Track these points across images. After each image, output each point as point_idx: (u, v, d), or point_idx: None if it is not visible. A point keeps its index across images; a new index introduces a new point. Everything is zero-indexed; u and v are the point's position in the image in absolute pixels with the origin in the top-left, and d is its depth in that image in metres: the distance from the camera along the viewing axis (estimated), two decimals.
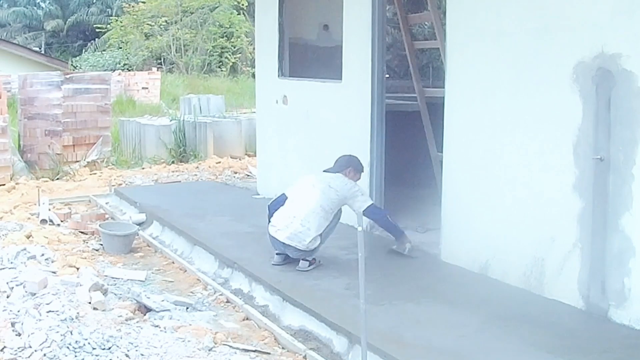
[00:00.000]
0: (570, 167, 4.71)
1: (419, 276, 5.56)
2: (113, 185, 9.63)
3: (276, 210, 5.81)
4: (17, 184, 10.00)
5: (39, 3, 38.82)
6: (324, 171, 5.95)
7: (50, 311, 4.52)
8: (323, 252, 5.79)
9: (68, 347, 4.07)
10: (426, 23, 10.88)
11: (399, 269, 5.71)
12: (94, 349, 4.09)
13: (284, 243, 5.63)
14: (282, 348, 4.61)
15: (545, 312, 4.68)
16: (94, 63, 28.82)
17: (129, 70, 26.18)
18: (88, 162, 11.19)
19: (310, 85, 7.78)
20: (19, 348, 4.09)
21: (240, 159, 12.13)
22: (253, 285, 5.56)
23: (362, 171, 6.06)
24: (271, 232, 5.72)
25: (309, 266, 5.65)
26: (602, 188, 4.53)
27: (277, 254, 5.78)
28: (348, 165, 5.94)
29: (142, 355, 4.12)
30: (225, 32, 29.01)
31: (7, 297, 4.95)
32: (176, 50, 28.23)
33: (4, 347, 4.12)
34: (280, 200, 5.87)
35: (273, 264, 5.76)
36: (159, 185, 9.88)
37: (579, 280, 4.71)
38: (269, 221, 5.81)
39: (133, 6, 28.86)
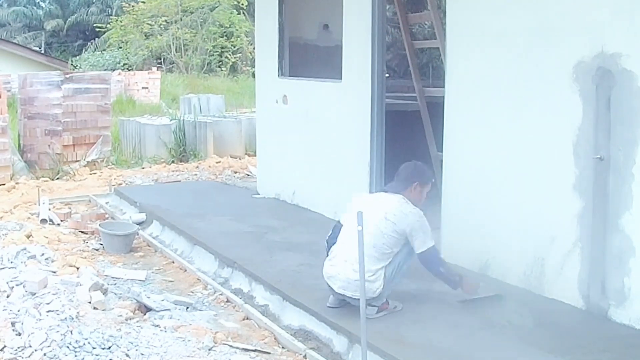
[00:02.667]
0: (570, 167, 4.71)
1: (419, 275, 5.54)
2: (113, 185, 9.63)
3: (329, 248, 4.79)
4: (17, 183, 10.00)
5: (38, 3, 38.81)
6: (383, 189, 4.87)
7: (50, 311, 4.52)
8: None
9: (68, 347, 4.07)
10: (426, 22, 10.86)
11: None
12: (94, 348, 4.09)
13: (339, 294, 4.62)
14: (282, 347, 4.62)
15: (546, 312, 4.68)
16: (94, 63, 28.80)
17: (129, 70, 26.15)
18: (88, 162, 11.19)
19: (310, 84, 7.78)
20: (19, 347, 4.10)
21: (240, 159, 12.13)
22: (253, 285, 5.56)
23: (431, 181, 4.93)
24: (325, 278, 4.70)
25: (377, 313, 4.59)
26: (602, 188, 4.53)
27: (332, 294, 4.79)
28: (413, 180, 4.76)
29: (142, 354, 4.12)
30: (225, 32, 29.00)
31: (7, 296, 4.95)
32: (176, 49, 28.21)
33: (4, 346, 4.12)
34: (336, 233, 4.78)
35: (328, 306, 4.76)
36: (159, 185, 9.89)
37: (579, 280, 4.71)
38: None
39: (133, 6, 28.84)
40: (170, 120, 13.09)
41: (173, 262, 6.57)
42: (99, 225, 7.25)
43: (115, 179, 10.32)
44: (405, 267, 4.69)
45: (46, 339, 4.12)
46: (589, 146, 4.59)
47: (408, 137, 7.52)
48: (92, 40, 32.99)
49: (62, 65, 26.11)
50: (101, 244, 7.02)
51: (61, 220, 7.86)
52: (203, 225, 7.14)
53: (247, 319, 5.12)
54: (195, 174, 10.73)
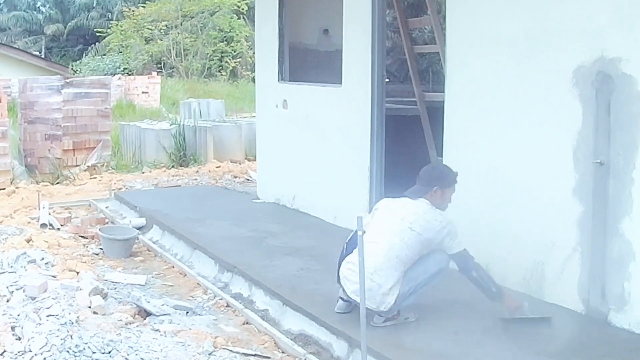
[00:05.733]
0: (570, 171, 4.71)
1: None
2: (113, 190, 9.63)
3: (351, 251, 4.59)
4: (17, 188, 9.99)
5: (39, 7, 38.84)
6: (405, 194, 4.70)
7: (50, 315, 4.52)
8: (328, 258, 5.77)
9: (68, 351, 4.07)
10: (426, 27, 10.90)
11: None
12: (94, 353, 4.09)
13: (349, 299, 4.56)
14: (282, 352, 4.61)
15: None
16: (94, 67, 28.80)
17: (129, 75, 26.13)
18: (88, 166, 11.19)
19: (310, 89, 7.79)
20: (19, 352, 4.10)
21: (240, 163, 12.13)
22: (253, 290, 5.56)
23: (455, 183, 4.76)
24: (341, 277, 4.64)
25: (384, 322, 4.53)
26: (602, 192, 4.53)
27: (341, 298, 4.77)
28: (432, 184, 4.64)
29: (142, 359, 4.12)
30: (225, 37, 29.01)
31: (7, 301, 4.95)
32: (176, 54, 28.23)
33: (4, 351, 4.12)
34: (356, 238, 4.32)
35: (336, 311, 4.75)
36: (159, 190, 9.89)
37: (579, 284, 4.71)
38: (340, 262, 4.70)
39: (133, 10, 28.88)
40: (170, 124, 13.09)
41: (173, 267, 6.57)
42: (99, 229, 7.25)
43: (115, 183, 10.32)
44: (424, 288, 4.57)
45: (46, 343, 4.12)
46: (588, 151, 4.60)
47: (408, 141, 7.53)
48: (92, 45, 33.00)
49: (62, 69, 26.13)
50: (101, 249, 7.02)
51: (61, 225, 7.85)
52: (203, 230, 7.14)
53: (247, 323, 5.12)
54: (195, 179, 10.73)
